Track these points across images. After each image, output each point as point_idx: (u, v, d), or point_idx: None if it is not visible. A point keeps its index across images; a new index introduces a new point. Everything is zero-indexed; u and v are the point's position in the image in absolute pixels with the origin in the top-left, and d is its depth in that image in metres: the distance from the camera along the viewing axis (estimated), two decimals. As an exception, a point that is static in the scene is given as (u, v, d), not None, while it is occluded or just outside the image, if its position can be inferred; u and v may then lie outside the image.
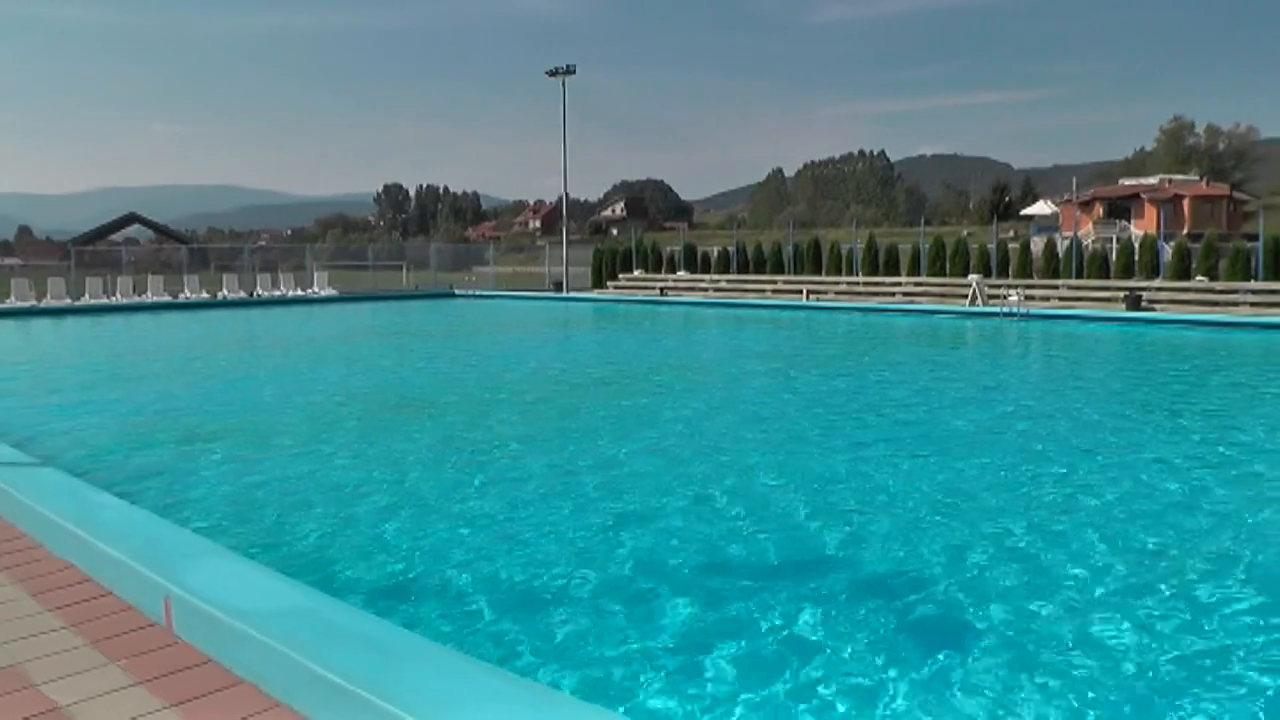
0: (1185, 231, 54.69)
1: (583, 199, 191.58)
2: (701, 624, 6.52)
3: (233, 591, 5.35)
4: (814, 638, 6.27)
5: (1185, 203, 72.15)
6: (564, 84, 53.99)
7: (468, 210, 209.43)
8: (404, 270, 62.89)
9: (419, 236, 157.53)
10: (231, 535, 8.36)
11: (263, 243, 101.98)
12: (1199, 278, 37.82)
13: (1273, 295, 35.01)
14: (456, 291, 54.03)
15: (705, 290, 48.89)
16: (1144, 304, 35.88)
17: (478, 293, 53.67)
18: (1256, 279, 36.35)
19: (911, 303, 40.80)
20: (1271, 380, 20.40)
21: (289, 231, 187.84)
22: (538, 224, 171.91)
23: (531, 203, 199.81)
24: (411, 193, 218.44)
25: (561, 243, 57.64)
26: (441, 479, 10.79)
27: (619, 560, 7.86)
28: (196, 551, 6.34)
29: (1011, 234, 61.86)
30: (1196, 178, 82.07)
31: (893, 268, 45.54)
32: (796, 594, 6.99)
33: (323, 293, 51.01)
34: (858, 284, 45.24)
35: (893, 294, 43.06)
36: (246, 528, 8.79)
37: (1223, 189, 78.52)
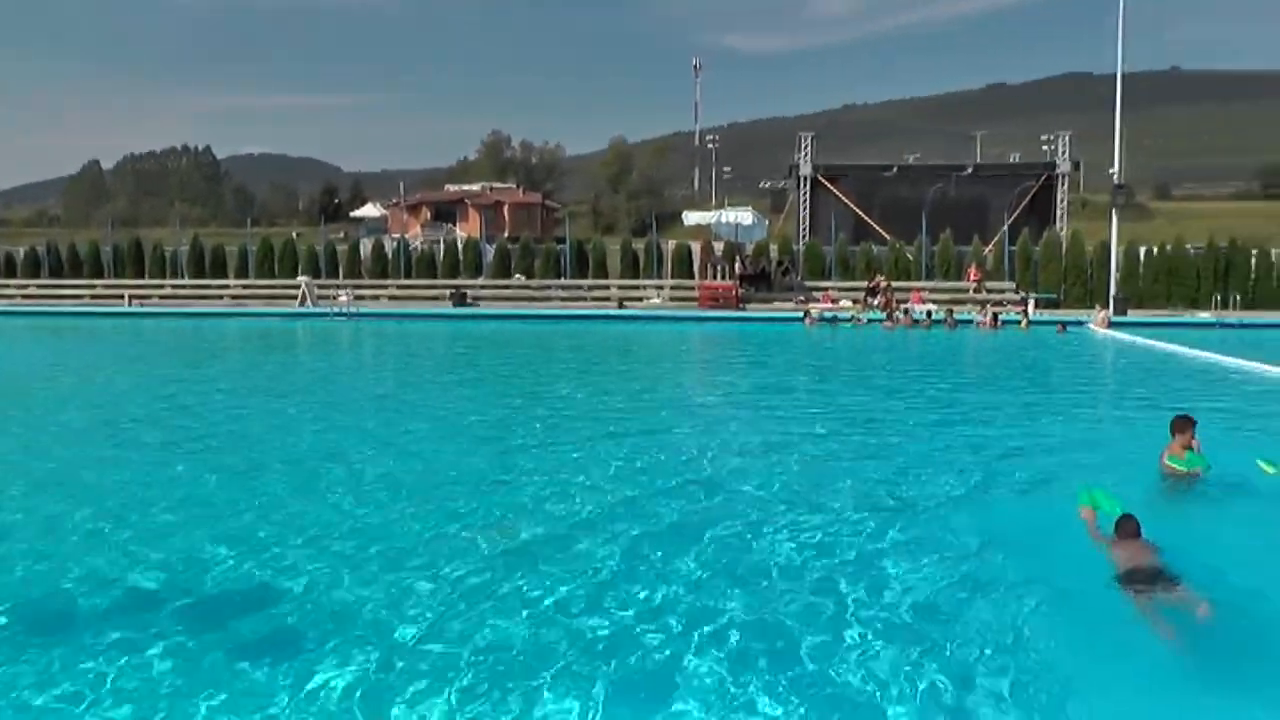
0: (505, 234, 59.50)
1: None
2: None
3: None
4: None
5: (505, 208, 78.66)
6: None
7: None
8: None
9: None
10: None
11: None
12: (517, 276, 41.61)
13: (578, 290, 39.69)
14: None
15: (13, 297, 43.57)
16: (469, 300, 38.55)
17: None
18: (565, 276, 40.93)
19: (241, 306, 39.89)
20: (572, 359, 23.27)
21: None
22: None
23: None
24: None
25: None
26: None
27: None
28: None
29: (341, 235, 62.90)
30: (514, 186, 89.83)
31: (220, 269, 44.32)
32: None
33: None
34: (184, 287, 43.38)
35: (220, 297, 41.82)
36: None
37: (536, 197, 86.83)
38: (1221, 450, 10.15)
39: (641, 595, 6.44)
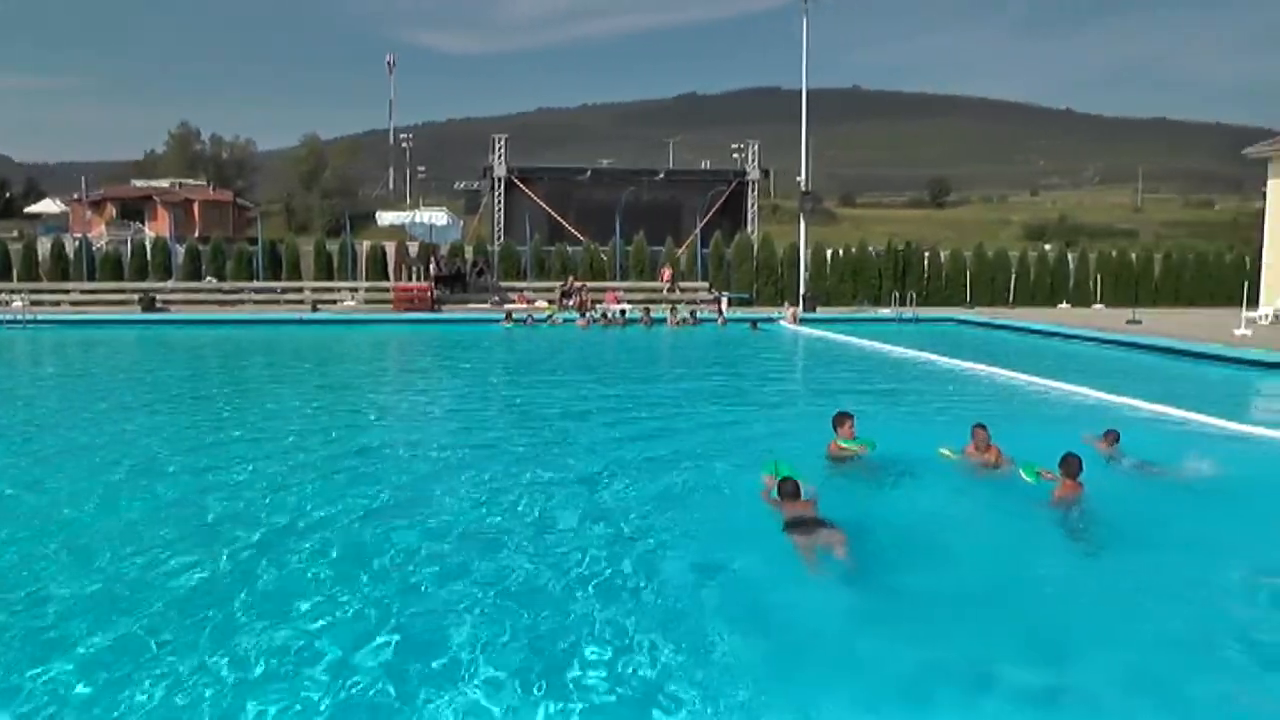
0: (196, 235, 57.83)
1: None
2: None
3: None
4: None
5: (196, 206, 76.01)
6: None
7: None
8: None
9: None
10: None
11: None
12: (209, 278, 40.95)
13: (272, 293, 39.62)
14: None
15: None
16: (158, 305, 37.63)
17: None
18: (258, 279, 40.71)
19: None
20: (258, 365, 23.74)
21: None
22: None
23: None
24: None
25: None
26: None
27: None
28: None
29: (16, 234, 59.10)
30: (205, 183, 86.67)
31: None
32: None
33: None
34: None
35: (-121, 302, 38.81)
36: None
37: (228, 195, 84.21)
38: (884, 426, 12.53)
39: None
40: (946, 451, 11.46)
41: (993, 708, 5.67)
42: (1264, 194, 38.64)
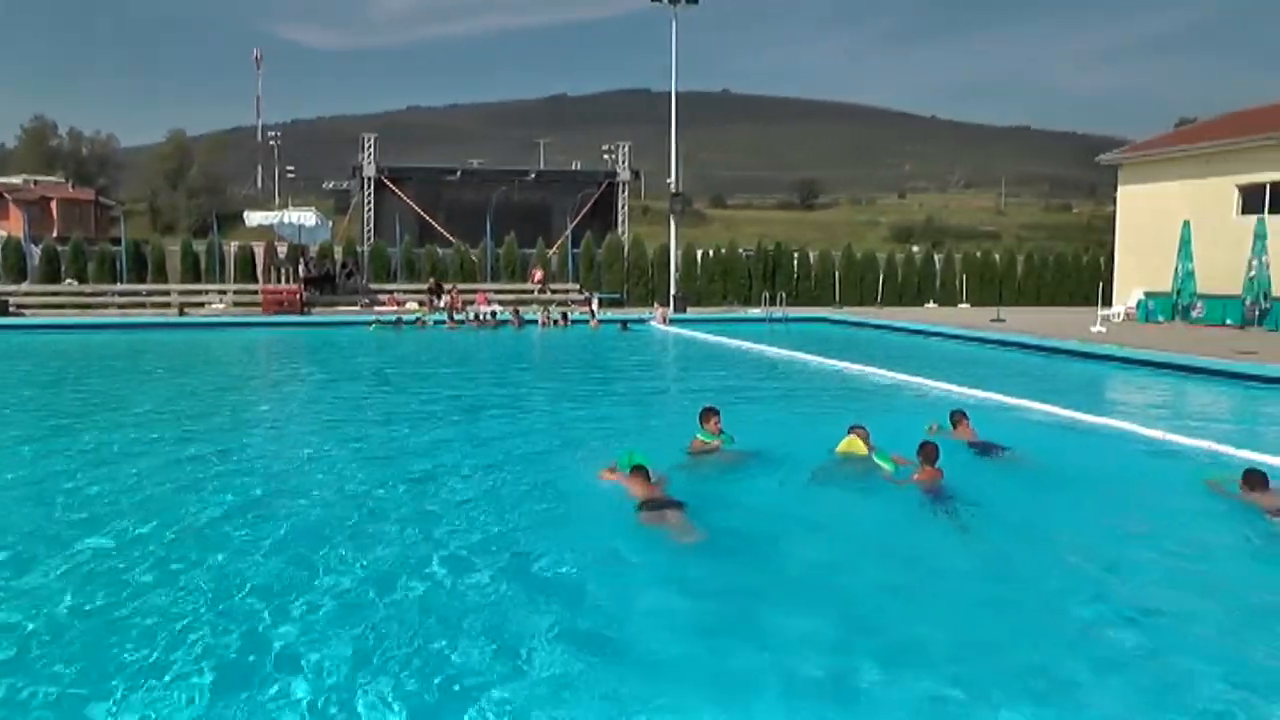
0: (54, 235, 55.87)
1: None
2: None
3: None
4: None
5: (53, 205, 73.34)
6: None
7: None
8: None
9: None
10: None
11: None
12: (69, 281, 39.56)
13: (137, 296, 38.53)
14: None
15: None
16: (13, 310, 36.14)
17: None
18: (122, 281, 39.51)
19: None
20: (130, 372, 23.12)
21: None
22: None
23: None
24: None
25: None
26: None
27: None
28: None
29: None
30: (63, 180, 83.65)
31: None
32: None
33: None
34: None
35: None
36: None
37: (89, 193, 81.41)
38: (748, 422, 12.92)
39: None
40: (847, 446, 11.50)
41: (852, 682, 5.86)
42: (1115, 199, 40.78)
